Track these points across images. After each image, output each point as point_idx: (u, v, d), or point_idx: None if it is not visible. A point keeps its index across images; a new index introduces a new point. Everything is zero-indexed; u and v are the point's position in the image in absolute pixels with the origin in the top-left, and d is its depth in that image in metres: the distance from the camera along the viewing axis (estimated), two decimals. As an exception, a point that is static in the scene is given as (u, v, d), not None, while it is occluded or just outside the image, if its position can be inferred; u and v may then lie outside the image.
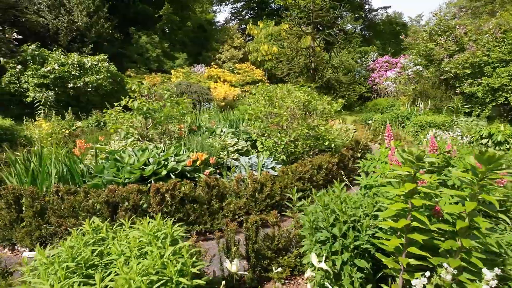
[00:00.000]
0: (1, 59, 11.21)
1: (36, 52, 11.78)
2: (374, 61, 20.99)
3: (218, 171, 4.06)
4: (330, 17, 16.24)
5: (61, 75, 11.58)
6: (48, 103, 6.90)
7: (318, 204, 2.16)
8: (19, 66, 11.24)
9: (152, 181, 3.21)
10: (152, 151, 3.86)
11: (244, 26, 25.44)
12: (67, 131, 5.49)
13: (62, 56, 12.00)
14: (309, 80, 16.48)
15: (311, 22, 16.50)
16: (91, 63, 12.42)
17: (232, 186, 3.39)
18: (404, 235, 1.69)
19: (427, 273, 1.49)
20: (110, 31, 15.24)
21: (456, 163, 2.33)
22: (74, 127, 6.58)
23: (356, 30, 32.28)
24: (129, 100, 4.84)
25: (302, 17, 16.35)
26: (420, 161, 1.61)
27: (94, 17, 14.53)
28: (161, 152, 3.89)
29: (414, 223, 1.62)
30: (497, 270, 1.46)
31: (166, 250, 1.39)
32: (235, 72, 20.27)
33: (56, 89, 11.53)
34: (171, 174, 3.38)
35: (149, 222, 1.58)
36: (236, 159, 4.60)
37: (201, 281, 1.36)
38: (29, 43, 11.76)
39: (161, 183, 2.99)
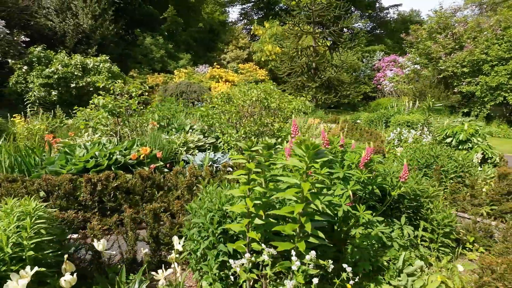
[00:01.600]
0: (10, 60, 11.93)
1: (42, 54, 12.45)
2: (380, 60, 20.62)
3: (168, 165, 4.23)
4: (331, 16, 16.14)
5: (64, 76, 12.18)
6: (37, 101, 7.35)
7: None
8: (25, 67, 11.92)
9: (91, 172, 3.42)
10: (105, 145, 4.09)
11: (250, 26, 25.62)
12: (45, 127, 5.84)
13: (66, 57, 12.61)
14: (310, 80, 16.44)
15: (312, 21, 16.45)
16: (93, 64, 12.98)
17: (169, 178, 3.56)
18: (248, 221, 1.79)
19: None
20: (114, 33, 15.83)
21: (348, 156, 2.39)
22: (62, 124, 6.97)
23: (367, 28, 31.74)
24: (98, 97, 5.12)
25: (302, 17, 16.34)
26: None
27: (99, 19, 15.14)
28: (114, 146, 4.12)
29: (251, 209, 1.72)
30: (313, 253, 1.55)
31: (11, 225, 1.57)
32: (239, 72, 20.48)
33: (60, 88, 12.14)
34: (112, 167, 3.59)
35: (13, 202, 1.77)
36: (193, 155, 4.76)
37: (37, 254, 1.53)
38: (35, 45, 12.44)
39: (94, 174, 3.20)
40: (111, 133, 5.33)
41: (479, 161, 4.51)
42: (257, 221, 1.72)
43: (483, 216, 3.67)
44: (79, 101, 12.93)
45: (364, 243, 2.22)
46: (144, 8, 18.77)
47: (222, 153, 4.77)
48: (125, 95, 5.69)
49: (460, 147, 4.88)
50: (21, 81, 12.00)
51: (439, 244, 2.71)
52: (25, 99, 8.14)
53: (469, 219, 3.66)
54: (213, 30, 23.99)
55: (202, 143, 5.21)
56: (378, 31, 32.15)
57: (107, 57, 13.43)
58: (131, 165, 3.80)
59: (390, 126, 7.60)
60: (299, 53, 16.55)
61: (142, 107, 5.69)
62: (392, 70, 14.82)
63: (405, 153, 4.73)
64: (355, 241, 2.24)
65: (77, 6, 14.53)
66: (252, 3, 29.53)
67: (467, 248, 3.00)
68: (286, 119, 5.18)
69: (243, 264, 1.55)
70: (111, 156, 3.78)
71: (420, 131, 5.71)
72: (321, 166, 1.66)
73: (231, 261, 1.56)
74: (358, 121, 9.62)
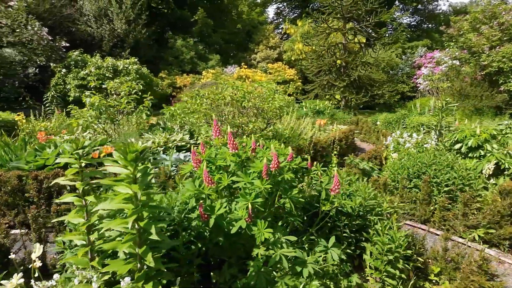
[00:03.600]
0: (52, 64, 13.18)
1: (79, 58, 13.54)
2: (421, 56, 18.84)
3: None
4: (362, 11, 15.11)
5: (97, 77, 13.09)
6: (55, 101, 7.94)
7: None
8: (64, 70, 13.07)
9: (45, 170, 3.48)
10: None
11: (282, 26, 25.22)
12: (54, 125, 6.23)
13: (99, 60, 13.56)
14: (337, 78, 15.58)
15: (342, 17, 15.57)
16: (123, 66, 13.76)
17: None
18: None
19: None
20: (146, 37, 16.66)
21: (253, 164, 2.04)
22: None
23: (412, 23, 29.32)
24: (88, 95, 5.30)
25: (331, 12, 15.54)
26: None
27: (133, 24, 16.04)
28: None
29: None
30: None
31: None
32: (268, 72, 20.25)
33: (92, 89, 13.08)
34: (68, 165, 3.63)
35: None
36: (166, 154, 4.68)
37: None
38: (74, 50, 13.57)
39: (43, 171, 3.25)
40: (103, 131, 5.48)
41: (491, 173, 3.72)
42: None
43: (476, 241, 3.01)
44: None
45: (263, 268, 1.87)
46: (177, 11, 19.48)
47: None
48: (121, 94, 5.84)
49: (470, 154, 4.09)
50: (60, 82, 13.18)
51: (384, 275, 2.22)
52: (44, 99, 8.86)
53: (464, 244, 3.03)
54: (244, 31, 24.12)
55: (184, 143, 5.11)
56: (426, 26, 29.48)
57: (136, 59, 14.14)
58: (91, 164, 3.81)
59: (406, 128, 6.77)
60: (327, 50, 15.77)
61: (132, 107, 5.77)
62: (426, 66, 13.35)
63: (397, 160, 4.11)
64: (255, 264, 1.90)
65: (113, 12, 15.55)
66: (287, 2, 29.08)
67: (433, 281, 2.44)
68: (269, 119, 4.84)
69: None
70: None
71: (434, 135, 4.93)
72: (142, 174, 1.39)
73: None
74: (378, 122, 8.79)
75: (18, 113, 6.10)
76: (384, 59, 19.03)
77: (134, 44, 16.26)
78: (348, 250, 2.30)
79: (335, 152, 5.07)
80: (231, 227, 1.90)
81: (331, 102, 17.30)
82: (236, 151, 2.11)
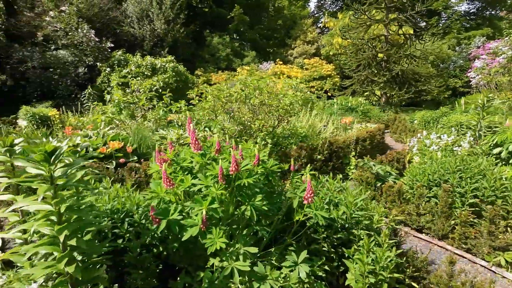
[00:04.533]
0: (98, 63, 14.24)
1: (121, 57, 14.44)
2: (479, 47, 16.77)
3: (142, 160, 4.26)
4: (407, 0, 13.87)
5: (136, 75, 13.84)
6: (91, 98, 8.53)
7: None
8: (108, 69, 14.04)
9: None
10: (90, 137, 4.39)
11: (322, 19, 24.31)
12: (87, 120, 6.68)
13: (140, 59, 14.32)
14: (376, 73, 14.54)
15: (385, 7, 14.46)
16: (160, 64, 14.35)
17: (120, 173, 3.57)
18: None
19: None
20: (184, 35, 17.22)
21: (211, 166, 1.87)
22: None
23: (470, 10, 26.27)
24: (109, 93, 5.55)
25: (372, 3, 14.51)
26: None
27: (172, 24, 16.67)
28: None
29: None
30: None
31: None
32: (304, 67, 19.70)
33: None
34: (77, 158, 3.81)
35: None
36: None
37: None
38: (117, 50, 14.50)
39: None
40: (122, 126, 5.71)
41: (536, 184, 3.08)
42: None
43: (502, 267, 2.52)
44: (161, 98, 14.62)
45: (217, 281, 1.71)
46: (214, 10, 19.81)
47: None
48: (141, 91, 6.03)
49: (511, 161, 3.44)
50: (105, 81, 14.19)
51: (365, 299, 1.91)
52: (81, 96, 9.58)
53: (486, 268, 2.57)
54: (282, 26, 23.74)
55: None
56: (488, 12, 26.20)
57: (173, 58, 14.66)
58: (99, 159, 3.96)
59: (444, 128, 6.00)
60: (367, 44, 14.78)
61: (152, 103, 5.91)
62: (481, 58, 11.77)
63: (418, 165, 3.62)
64: (205, 275, 1.75)
65: (153, 13, 16.31)
66: (329, -6, 27.96)
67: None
68: (279, 117, 4.58)
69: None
70: (87, 149, 4.01)
71: (470, 137, 4.26)
72: (65, 174, 1.30)
73: None
74: (415, 121, 7.96)
75: (52, 108, 6.62)
76: (433, 51, 17.36)
77: (172, 43, 16.91)
78: (326, 267, 2.02)
79: (353, 153, 4.68)
80: (184, 233, 1.77)
81: (370, 99, 16.29)
82: (200, 151, 1.96)
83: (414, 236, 3.17)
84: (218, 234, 1.74)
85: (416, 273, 2.17)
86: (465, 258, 2.74)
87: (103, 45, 14.49)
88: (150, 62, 14.19)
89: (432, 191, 3.23)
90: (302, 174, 2.56)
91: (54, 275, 1.39)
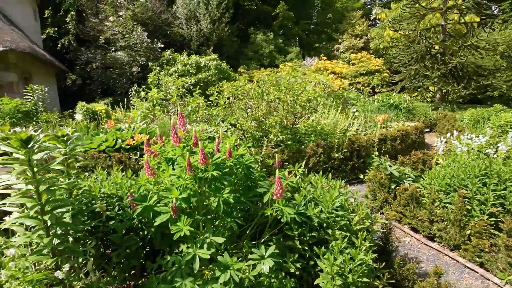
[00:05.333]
0: (150, 63, 15.44)
1: (170, 57, 15.44)
2: None
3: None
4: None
5: (182, 73, 14.70)
6: (136, 95, 9.32)
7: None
8: (158, 68, 15.14)
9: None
10: (122, 130, 4.86)
11: (374, 11, 22.91)
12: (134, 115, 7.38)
13: (186, 58, 15.16)
14: (429, 67, 13.28)
15: (442, -7, 13.11)
16: (205, 62, 15.02)
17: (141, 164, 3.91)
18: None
19: None
20: (229, 33, 17.74)
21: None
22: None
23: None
24: (144, 89, 6.05)
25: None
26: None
27: (217, 23, 17.28)
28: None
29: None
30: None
31: None
32: (350, 62, 18.86)
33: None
34: (106, 150, 4.26)
35: None
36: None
37: None
38: (166, 50, 15.54)
39: (82, 154, 3.91)
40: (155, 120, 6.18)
41: None
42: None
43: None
44: (190, 93, 15.43)
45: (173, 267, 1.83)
46: (260, 7, 19.99)
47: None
48: (172, 89, 6.44)
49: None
50: (155, 79, 15.35)
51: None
52: (128, 93, 10.49)
53: (497, 284, 2.31)
54: (329, 20, 22.97)
55: (212, 134, 5.30)
56: None
57: (216, 56, 15.22)
58: (126, 150, 4.37)
59: (493, 128, 5.30)
60: (420, 35, 13.56)
61: (182, 101, 6.28)
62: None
63: (439, 168, 3.31)
64: (171, 259, 1.87)
65: (200, 14, 17.08)
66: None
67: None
68: (296, 114, 4.50)
69: None
70: (117, 140, 4.47)
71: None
72: (42, 160, 1.52)
73: None
74: (465, 119, 7.14)
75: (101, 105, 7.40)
76: (504, 40, 15.22)
77: (217, 41, 17.53)
78: (299, 265, 2.00)
79: (376, 153, 4.45)
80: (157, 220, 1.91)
81: (422, 95, 14.97)
82: (179, 144, 2.09)
83: (424, 244, 2.93)
84: (185, 222, 1.85)
85: (401, 282, 2.03)
86: (477, 272, 2.45)
87: (154, 45, 15.63)
88: (195, 61, 14.92)
89: (449, 197, 2.93)
90: (291, 171, 2.55)
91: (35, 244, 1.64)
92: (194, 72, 14.78)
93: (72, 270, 1.78)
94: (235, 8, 19.26)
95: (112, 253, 2.07)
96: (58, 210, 1.71)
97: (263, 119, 4.31)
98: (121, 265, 2.11)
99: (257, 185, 2.10)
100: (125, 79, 15.70)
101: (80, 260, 1.94)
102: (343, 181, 2.48)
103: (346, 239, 1.91)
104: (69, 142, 1.91)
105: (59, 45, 16.51)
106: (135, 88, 9.64)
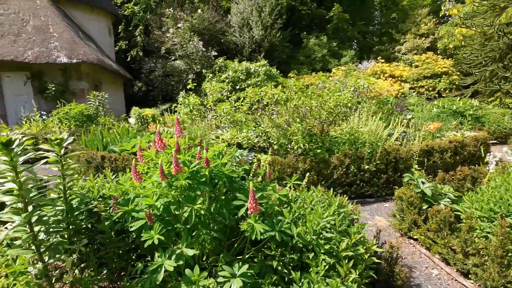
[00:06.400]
0: (204, 70, 16.29)
1: (222, 64, 16.07)
2: None
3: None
4: None
5: (233, 79, 15.17)
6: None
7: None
8: (211, 75, 15.88)
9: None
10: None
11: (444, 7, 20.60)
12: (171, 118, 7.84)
13: (237, 64, 15.62)
14: (508, 67, 11.31)
15: (529, -20, 11.12)
16: (254, 69, 15.26)
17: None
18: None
19: None
20: (281, 39, 17.77)
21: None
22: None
23: None
24: (183, 95, 6.37)
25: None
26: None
27: (269, 29, 17.45)
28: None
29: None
30: None
31: None
32: (412, 65, 17.21)
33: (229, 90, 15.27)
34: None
35: None
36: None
37: None
38: (219, 57, 16.22)
39: (114, 154, 4.26)
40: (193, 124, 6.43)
41: None
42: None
43: None
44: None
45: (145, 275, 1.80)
46: (314, 11, 19.62)
47: (249, 151, 4.69)
48: (211, 94, 6.64)
49: None
50: (208, 85, 16.12)
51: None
52: (175, 98, 11.13)
53: None
54: (391, 20, 21.39)
55: (246, 140, 5.27)
56: None
57: (266, 62, 15.35)
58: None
59: None
60: (498, 31, 11.69)
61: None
62: None
63: (486, 189, 2.74)
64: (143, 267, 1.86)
65: (253, 21, 17.45)
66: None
67: None
68: (323, 121, 4.18)
69: None
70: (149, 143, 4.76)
71: None
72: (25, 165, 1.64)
73: None
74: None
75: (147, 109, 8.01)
76: None
77: (269, 47, 17.68)
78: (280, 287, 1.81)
79: (416, 166, 3.95)
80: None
81: (500, 100, 12.87)
82: (162, 150, 2.09)
83: (455, 280, 2.43)
84: (157, 229, 1.83)
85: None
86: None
87: (209, 53, 16.46)
88: (245, 67, 15.26)
89: (493, 226, 2.39)
90: (287, 183, 2.37)
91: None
92: (244, 78, 15.11)
93: (55, 267, 1.89)
94: (289, 14, 19.21)
95: (99, 253, 2.15)
96: (44, 208, 1.84)
97: (286, 126, 4.13)
98: (107, 265, 2.18)
99: (236, 197, 1.97)
100: (181, 85, 16.81)
101: (74, 257, 2.06)
102: (345, 198, 2.19)
103: (327, 266, 1.66)
104: (64, 145, 2.04)
105: (129, 56, 18.55)
106: (183, 94, 10.22)
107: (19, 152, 1.68)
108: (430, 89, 15.63)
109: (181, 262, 1.77)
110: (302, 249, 1.89)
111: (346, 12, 19.21)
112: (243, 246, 2.09)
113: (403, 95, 15.19)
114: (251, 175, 2.42)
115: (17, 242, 1.75)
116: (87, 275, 2.06)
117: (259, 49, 17.93)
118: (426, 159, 4.43)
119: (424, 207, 2.95)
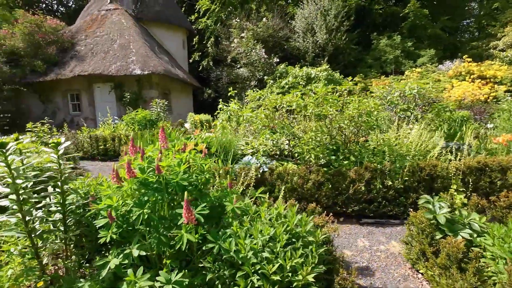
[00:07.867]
0: (265, 77, 16.65)
1: (283, 70, 16.16)
2: None
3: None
4: None
5: (292, 85, 15.11)
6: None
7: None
8: (271, 81, 16.12)
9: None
10: (192, 139, 5.55)
11: None
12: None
13: (298, 70, 15.50)
14: None
15: None
16: (315, 74, 14.89)
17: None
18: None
19: None
20: (345, 42, 16.96)
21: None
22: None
23: None
24: (225, 104, 6.67)
25: None
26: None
27: (333, 33, 16.84)
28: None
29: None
30: None
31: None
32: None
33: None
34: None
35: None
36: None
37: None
38: (281, 64, 16.35)
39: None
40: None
41: None
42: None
43: None
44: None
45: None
46: (386, 10, 18.15)
47: (271, 159, 4.66)
48: (249, 102, 6.80)
49: None
50: (269, 92, 16.40)
51: None
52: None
53: None
54: (496, 11, 18.25)
55: (271, 148, 5.24)
56: None
57: (327, 66, 14.83)
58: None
59: None
60: None
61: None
62: None
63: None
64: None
65: (317, 25, 17.08)
66: None
67: None
68: (343, 130, 3.79)
69: None
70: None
71: None
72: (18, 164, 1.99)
73: None
74: None
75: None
76: None
77: (333, 50, 17.05)
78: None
79: (455, 187, 3.41)
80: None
81: None
82: (133, 155, 2.26)
83: (454, 332, 1.96)
84: (112, 229, 1.99)
85: None
86: None
87: (271, 60, 16.76)
88: (306, 73, 15.03)
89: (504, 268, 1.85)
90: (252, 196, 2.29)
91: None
92: (303, 83, 14.89)
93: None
94: (358, 15, 18.17)
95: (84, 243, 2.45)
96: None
97: (302, 134, 3.94)
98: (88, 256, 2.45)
99: (181, 205, 2.01)
100: (243, 92, 17.51)
101: (61, 244, 2.40)
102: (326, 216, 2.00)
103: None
104: (62, 148, 2.40)
105: (201, 66, 20.24)
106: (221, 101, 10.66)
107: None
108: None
109: (126, 261, 1.89)
110: (239, 267, 1.80)
111: (426, 7, 17.17)
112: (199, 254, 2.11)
113: (495, 100, 12.75)
114: (216, 184, 2.42)
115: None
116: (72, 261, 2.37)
117: (322, 54, 17.43)
118: (477, 179, 3.66)
119: (438, 237, 2.46)
